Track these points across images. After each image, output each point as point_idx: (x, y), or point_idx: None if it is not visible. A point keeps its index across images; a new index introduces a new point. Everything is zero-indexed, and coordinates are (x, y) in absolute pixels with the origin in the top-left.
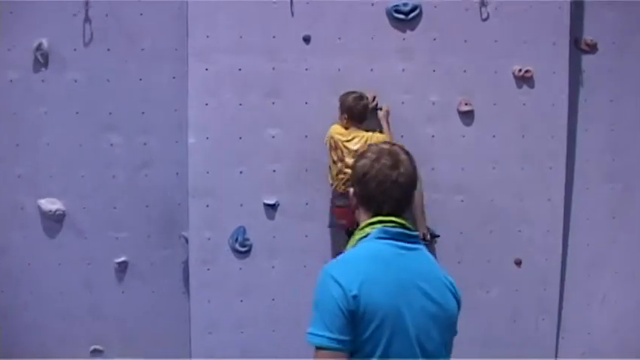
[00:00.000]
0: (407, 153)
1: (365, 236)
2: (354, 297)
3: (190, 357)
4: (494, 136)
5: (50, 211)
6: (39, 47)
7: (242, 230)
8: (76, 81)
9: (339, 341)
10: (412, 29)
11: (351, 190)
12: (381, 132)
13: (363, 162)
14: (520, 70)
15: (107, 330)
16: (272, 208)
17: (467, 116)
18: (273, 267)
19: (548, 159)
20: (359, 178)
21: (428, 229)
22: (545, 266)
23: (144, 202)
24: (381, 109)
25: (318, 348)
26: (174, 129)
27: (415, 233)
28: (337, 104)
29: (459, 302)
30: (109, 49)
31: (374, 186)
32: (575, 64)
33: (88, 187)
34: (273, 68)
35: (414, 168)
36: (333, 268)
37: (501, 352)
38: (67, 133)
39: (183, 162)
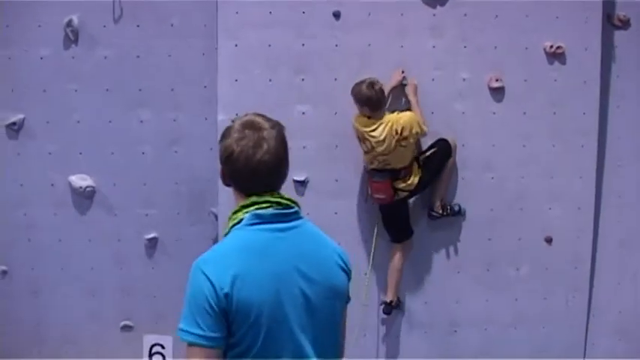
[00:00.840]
0: (274, 125)
1: (238, 223)
2: (226, 295)
3: None
4: (524, 113)
5: (81, 187)
6: (69, 24)
7: None
8: (106, 57)
9: (210, 339)
10: (442, 5)
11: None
12: (408, 109)
13: (227, 142)
14: (551, 47)
15: (137, 306)
16: (301, 184)
17: (497, 93)
18: None
19: (579, 136)
20: (224, 160)
21: (446, 204)
22: (576, 244)
23: (173, 178)
24: (406, 84)
25: (190, 345)
26: (203, 105)
27: (293, 210)
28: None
29: (348, 273)
30: (138, 26)
31: (240, 167)
32: (607, 40)
33: (118, 163)
34: (303, 44)
35: (282, 140)
36: (204, 263)
37: (531, 329)
38: (97, 110)
39: (213, 138)
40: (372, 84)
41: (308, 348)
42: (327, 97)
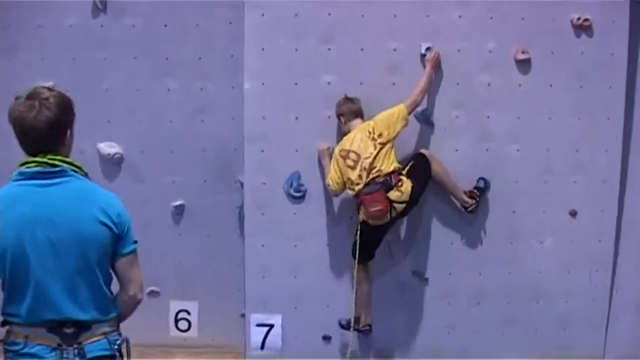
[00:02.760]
0: (55, 95)
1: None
2: None
3: (244, 300)
4: (551, 86)
5: (109, 154)
6: None
7: (297, 176)
8: (133, 26)
9: None
10: None
11: None
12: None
13: (10, 106)
14: (579, 19)
15: (164, 272)
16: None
17: (524, 65)
18: (327, 212)
19: (605, 109)
20: (9, 121)
21: (471, 191)
22: (600, 218)
23: (200, 146)
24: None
25: None
26: (230, 74)
27: (56, 169)
28: (393, 51)
29: (110, 226)
30: None
31: (17, 130)
32: (635, 13)
33: (146, 131)
34: (329, 14)
35: (58, 108)
36: None
37: (553, 302)
38: (125, 79)
39: (239, 107)
40: (346, 99)
41: (55, 289)
42: (353, 67)
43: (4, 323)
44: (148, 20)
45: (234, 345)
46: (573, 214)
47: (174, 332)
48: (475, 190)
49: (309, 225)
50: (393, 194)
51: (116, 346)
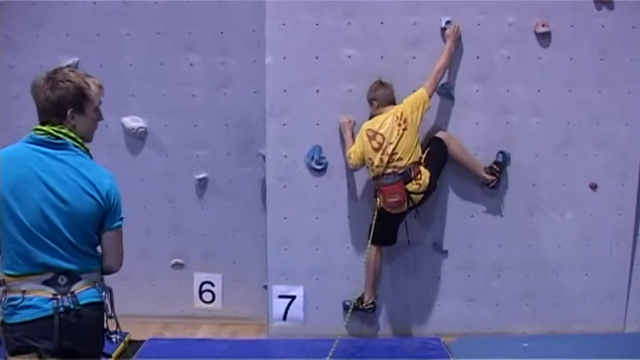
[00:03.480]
0: (70, 80)
1: None
2: None
3: (267, 271)
4: (571, 59)
5: (133, 128)
6: None
7: (318, 149)
8: (156, 2)
9: None
10: None
11: None
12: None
13: (35, 78)
14: None
15: (187, 244)
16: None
17: (544, 38)
18: (348, 185)
19: (626, 83)
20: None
21: (491, 167)
22: (620, 191)
23: (223, 120)
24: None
25: None
26: (252, 49)
27: (60, 142)
28: (413, 25)
29: (97, 198)
30: None
31: (35, 100)
32: None
33: (169, 105)
34: None
35: (63, 92)
36: None
37: (574, 275)
38: (148, 53)
39: (261, 81)
40: (381, 83)
41: (43, 243)
42: (373, 40)
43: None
44: None
45: (256, 316)
46: (594, 187)
47: (199, 303)
48: (494, 166)
49: (330, 197)
50: (412, 186)
51: (103, 295)
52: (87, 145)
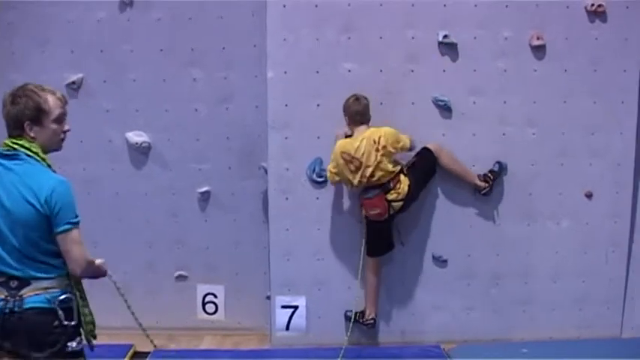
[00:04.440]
0: (26, 96)
1: None
2: None
3: (269, 282)
4: (565, 71)
5: (137, 143)
6: None
7: (319, 161)
8: (159, 19)
9: None
10: None
11: None
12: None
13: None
14: (593, 5)
15: (191, 256)
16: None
17: (539, 50)
18: (349, 196)
19: (619, 93)
20: None
21: (485, 174)
22: (615, 199)
23: (225, 134)
24: None
25: None
26: (253, 64)
27: (12, 153)
28: (411, 39)
29: (40, 208)
30: None
31: (1, 114)
32: None
33: (172, 120)
34: (349, 4)
35: (21, 106)
36: None
37: (571, 282)
38: (151, 69)
39: (263, 96)
40: (357, 98)
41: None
42: (373, 54)
43: None
44: (173, 13)
45: (259, 326)
46: (589, 195)
47: (202, 315)
48: (489, 174)
49: (331, 209)
50: (391, 195)
51: (57, 302)
52: (53, 154)
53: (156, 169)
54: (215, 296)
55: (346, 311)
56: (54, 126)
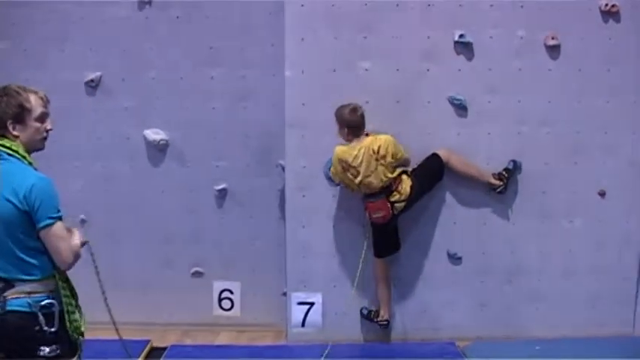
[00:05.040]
0: (19, 91)
1: None
2: None
3: (286, 279)
4: (580, 70)
5: (155, 141)
6: None
7: None
8: (178, 17)
9: None
10: None
11: None
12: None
13: None
14: (607, 5)
15: (207, 253)
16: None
17: (553, 50)
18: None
19: (633, 93)
20: None
21: (500, 173)
22: (629, 198)
23: (243, 132)
24: None
25: None
26: (271, 63)
27: None
28: (427, 39)
29: (19, 205)
30: None
31: None
32: None
33: (190, 118)
34: (365, 4)
35: (13, 100)
36: None
37: (584, 280)
38: (169, 68)
39: (280, 94)
40: (355, 109)
41: None
42: (389, 53)
43: None
44: (192, 12)
45: (275, 323)
46: (602, 194)
47: (218, 311)
48: (504, 172)
49: (347, 206)
50: (393, 197)
51: (38, 306)
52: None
53: (173, 166)
54: (231, 292)
55: (362, 308)
56: (36, 124)
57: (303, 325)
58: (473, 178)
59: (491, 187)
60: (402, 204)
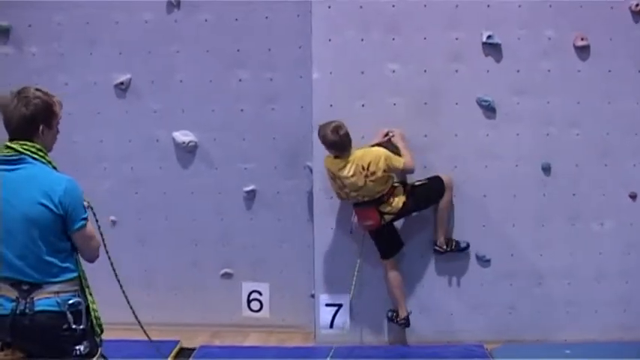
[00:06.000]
0: (38, 97)
1: None
2: None
3: (314, 281)
4: (609, 71)
5: (183, 143)
6: None
7: None
8: (206, 20)
9: None
10: None
11: None
12: (379, 145)
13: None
14: (637, 5)
15: (236, 255)
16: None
17: (583, 51)
18: None
19: None
20: None
21: (450, 239)
22: None
23: (271, 134)
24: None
25: None
26: (298, 65)
27: (16, 157)
28: (455, 40)
29: (54, 209)
30: None
31: (6, 116)
32: None
33: (219, 120)
34: (393, 5)
35: (35, 108)
36: None
37: (614, 283)
38: (198, 70)
39: (308, 96)
40: (337, 129)
41: (9, 256)
42: (417, 55)
43: None
44: (220, 15)
45: (304, 324)
46: (633, 196)
47: (247, 312)
48: (455, 242)
49: None
50: (384, 208)
51: (66, 305)
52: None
53: (202, 168)
54: (260, 294)
55: (388, 311)
56: (57, 128)
57: (331, 326)
58: (438, 220)
59: (434, 245)
60: (392, 216)
